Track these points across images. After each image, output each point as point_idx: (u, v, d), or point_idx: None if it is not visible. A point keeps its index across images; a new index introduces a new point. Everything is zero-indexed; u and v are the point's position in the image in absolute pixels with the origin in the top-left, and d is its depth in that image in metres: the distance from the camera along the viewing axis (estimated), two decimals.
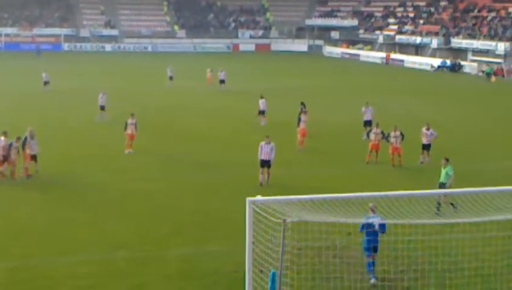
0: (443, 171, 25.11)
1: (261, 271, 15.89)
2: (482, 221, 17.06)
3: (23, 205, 25.48)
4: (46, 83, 59.30)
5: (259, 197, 16.24)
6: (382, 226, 17.59)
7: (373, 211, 17.73)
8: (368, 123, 39.19)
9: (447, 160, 25.32)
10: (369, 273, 17.66)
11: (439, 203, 22.19)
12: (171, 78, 65.40)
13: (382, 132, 33.26)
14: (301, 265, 16.88)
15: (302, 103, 41.94)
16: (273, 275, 14.88)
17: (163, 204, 25.78)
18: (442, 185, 24.69)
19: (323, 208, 16.39)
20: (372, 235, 17.53)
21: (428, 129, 33.37)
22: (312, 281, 16.81)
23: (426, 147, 33.32)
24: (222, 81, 63.35)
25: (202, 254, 20.20)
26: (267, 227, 15.68)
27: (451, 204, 21.14)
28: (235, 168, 31.51)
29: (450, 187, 23.97)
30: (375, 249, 17.75)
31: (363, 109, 40.22)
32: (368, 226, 17.48)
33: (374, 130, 33.60)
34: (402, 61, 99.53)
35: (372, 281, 17.55)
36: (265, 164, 28.47)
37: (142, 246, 21.01)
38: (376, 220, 17.45)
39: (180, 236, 22.05)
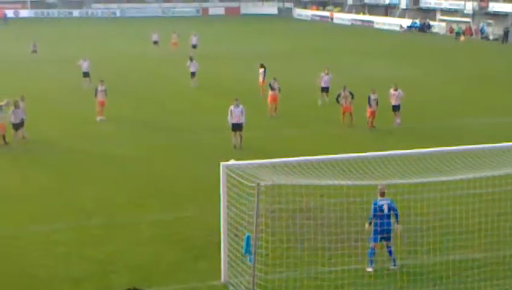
0: None
1: (236, 235, 15.95)
2: (453, 180, 17.24)
3: None
4: (34, 51, 59.47)
5: (232, 162, 16.24)
6: (396, 214, 16.36)
7: (382, 194, 16.50)
8: (325, 89, 39.02)
9: None
10: (369, 259, 16.45)
11: None
12: (155, 42, 66.61)
13: (351, 93, 33.17)
14: (275, 228, 16.96)
15: (263, 66, 41.58)
16: (248, 238, 14.95)
17: (134, 170, 25.65)
18: None
19: (296, 170, 16.44)
20: (383, 221, 16.21)
21: (396, 90, 33.41)
22: (287, 243, 16.92)
23: (396, 108, 33.42)
24: (194, 46, 62.84)
25: (175, 219, 20.18)
26: (241, 191, 15.71)
27: None
28: (206, 132, 31.44)
29: None
30: (388, 238, 16.40)
31: (322, 74, 39.58)
32: (379, 210, 16.19)
33: (342, 93, 33.36)
34: (372, 22, 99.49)
35: (369, 269, 16.38)
36: (237, 127, 28.43)
37: (115, 212, 20.93)
38: (386, 205, 16.31)
39: (153, 201, 21.98)
